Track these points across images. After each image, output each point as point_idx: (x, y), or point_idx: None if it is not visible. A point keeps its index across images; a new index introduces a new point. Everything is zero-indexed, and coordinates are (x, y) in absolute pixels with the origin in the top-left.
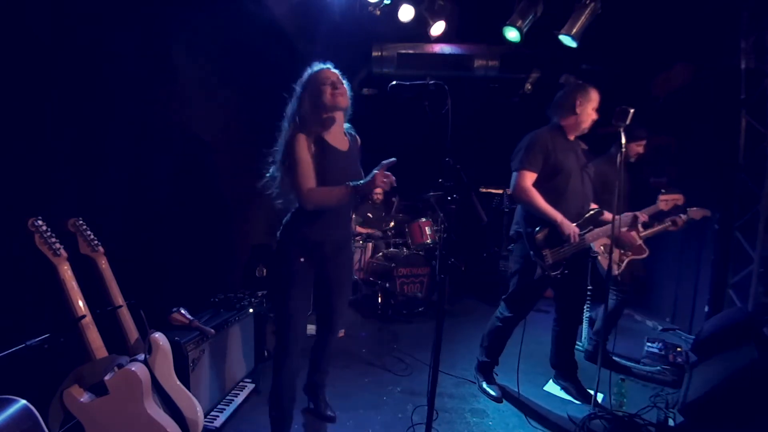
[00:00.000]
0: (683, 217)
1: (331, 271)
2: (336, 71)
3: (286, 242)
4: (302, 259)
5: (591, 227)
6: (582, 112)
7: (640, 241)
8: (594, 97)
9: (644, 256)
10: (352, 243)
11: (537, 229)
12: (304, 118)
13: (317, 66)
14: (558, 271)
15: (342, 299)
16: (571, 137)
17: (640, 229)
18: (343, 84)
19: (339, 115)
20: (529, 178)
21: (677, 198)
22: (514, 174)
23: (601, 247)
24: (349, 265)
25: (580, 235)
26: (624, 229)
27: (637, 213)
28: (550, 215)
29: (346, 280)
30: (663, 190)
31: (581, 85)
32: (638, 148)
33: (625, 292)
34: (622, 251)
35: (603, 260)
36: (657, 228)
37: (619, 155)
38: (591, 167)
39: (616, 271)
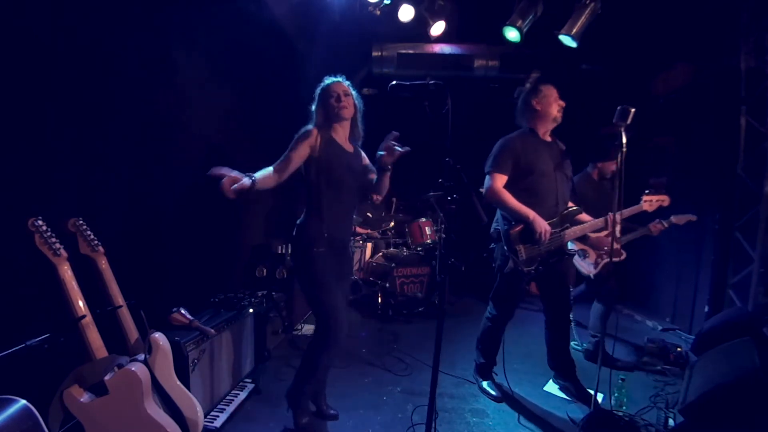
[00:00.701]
0: (664, 223)
1: (342, 262)
2: (345, 84)
3: (303, 238)
4: (323, 250)
5: (567, 225)
6: (542, 108)
7: (617, 245)
8: (548, 92)
9: (622, 258)
10: (352, 243)
11: (512, 223)
12: (318, 122)
13: (329, 79)
14: (532, 267)
15: (348, 289)
16: (545, 137)
17: (617, 233)
18: (348, 96)
19: (344, 124)
20: (499, 179)
21: (662, 199)
22: (486, 177)
23: (579, 250)
24: (350, 262)
25: (554, 232)
26: (603, 234)
27: (609, 218)
28: (522, 213)
29: (348, 277)
30: (647, 191)
31: (532, 88)
32: (613, 166)
33: (609, 291)
34: (598, 253)
35: (579, 262)
36: (635, 233)
37: (619, 154)
38: (568, 167)
39: (592, 272)
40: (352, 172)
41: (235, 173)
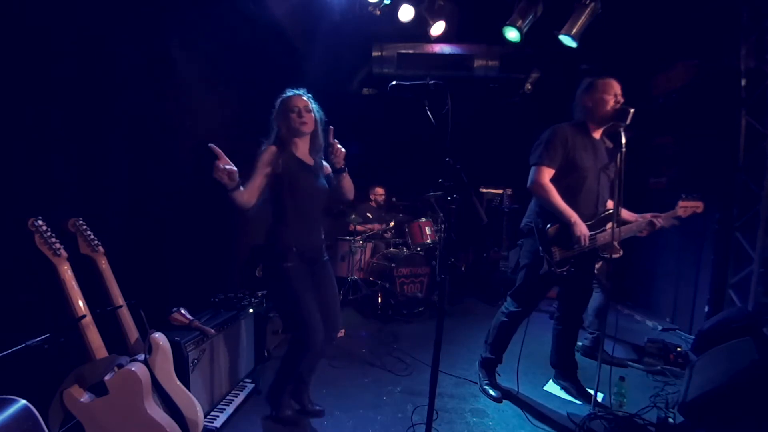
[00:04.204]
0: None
1: (315, 273)
2: (305, 98)
3: (276, 249)
4: (290, 264)
5: (604, 228)
6: (593, 105)
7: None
8: (601, 87)
9: (618, 255)
10: (352, 244)
11: (548, 225)
12: (278, 136)
13: (290, 91)
14: (564, 269)
15: (333, 298)
16: (596, 134)
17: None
18: (309, 112)
19: (304, 138)
20: (547, 173)
21: (697, 206)
22: (532, 169)
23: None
24: (329, 277)
25: (590, 236)
26: (644, 233)
27: (654, 219)
28: (565, 214)
29: (332, 280)
30: (684, 195)
31: (589, 83)
32: None
33: (605, 287)
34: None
35: None
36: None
37: (619, 155)
38: (613, 168)
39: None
40: (315, 186)
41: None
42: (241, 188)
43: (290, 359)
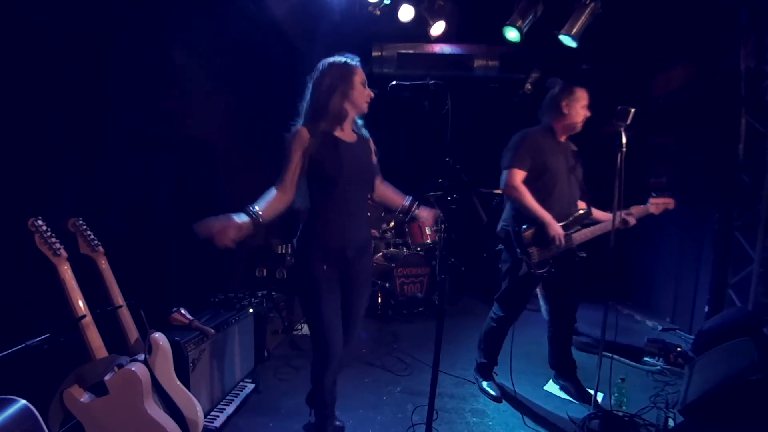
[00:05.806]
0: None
1: (353, 276)
2: None
3: (306, 250)
4: (325, 267)
5: (578, 228)
6: (570, 112)
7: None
8: (580, 96)
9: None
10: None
11: (524, 227)
12: (323, 107)
13: (355, 60)
14: (544, 270)
15: (362, 305)
16: (562, 138)
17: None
18: None
19: (350, 117)
20: (519, 175)
21: (668, 202)
22: (504, 172)
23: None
24: (369, 269)
25: (566, 235)
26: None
27: (627, 217)
28: (539, 215)
29: (366, 285)
30: (653, 193)
31: (566, 86)
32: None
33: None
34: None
35: None
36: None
37: (619, 155)
38: (580, 170)
39: None
40: (356, 165)
41: (223, 219)
42: (260, 213)
43: (314, 375)
